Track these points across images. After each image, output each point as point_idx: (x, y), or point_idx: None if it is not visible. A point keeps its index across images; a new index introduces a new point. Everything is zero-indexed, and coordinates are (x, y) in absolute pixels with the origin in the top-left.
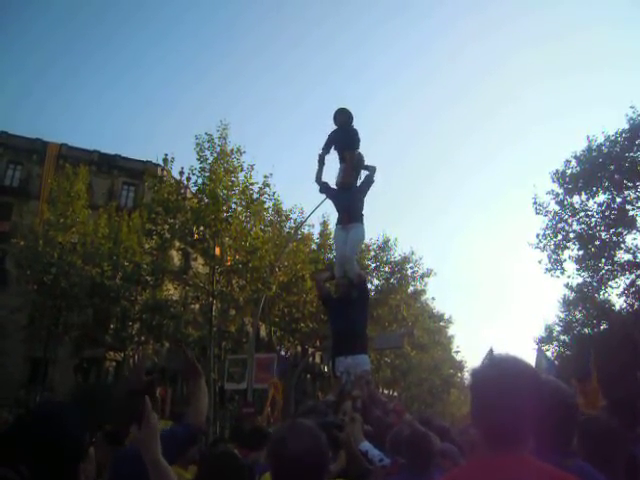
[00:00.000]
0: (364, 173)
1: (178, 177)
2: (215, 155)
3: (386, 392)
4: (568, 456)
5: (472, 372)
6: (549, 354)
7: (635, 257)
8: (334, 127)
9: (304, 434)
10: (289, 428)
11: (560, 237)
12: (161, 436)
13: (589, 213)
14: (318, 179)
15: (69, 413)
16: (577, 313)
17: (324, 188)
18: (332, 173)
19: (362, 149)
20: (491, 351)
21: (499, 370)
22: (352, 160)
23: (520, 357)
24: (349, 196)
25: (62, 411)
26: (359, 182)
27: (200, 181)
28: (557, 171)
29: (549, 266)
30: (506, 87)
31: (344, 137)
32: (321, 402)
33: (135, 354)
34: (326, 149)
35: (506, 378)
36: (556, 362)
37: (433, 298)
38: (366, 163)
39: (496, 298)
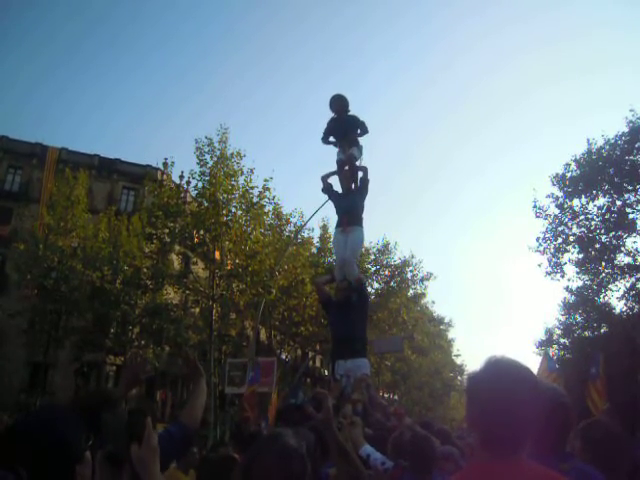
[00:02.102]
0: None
1: (178, 181)
2: (215, 159)
3: (387, 396)
4: (565, 459)
5: (468, 376)
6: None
7: (635, 260)
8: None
9: (271, 458)
10: (254, 452)
11: (560, 240)
12: (158, 437)
13: (589, 216)
14: (325, 177)
15: (66, 416)
16: (577, 316)
17: (327, 189)
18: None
19: (364, 152)
20: None
21: (495, 374)
22: (351, 166)
23: (516, 360)
24: (349, 199)
25: (58, 414)
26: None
27: (200, 185)
28: (557, 174)
29: (549, 269)
30: (506, 91)
31: (341, 126)
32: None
33: (135, 357)
34: (325, 138)
35: (502, 382)
36: (557, 365)
37: (433, 302)
38: (358, 164)
39: (496, 301)
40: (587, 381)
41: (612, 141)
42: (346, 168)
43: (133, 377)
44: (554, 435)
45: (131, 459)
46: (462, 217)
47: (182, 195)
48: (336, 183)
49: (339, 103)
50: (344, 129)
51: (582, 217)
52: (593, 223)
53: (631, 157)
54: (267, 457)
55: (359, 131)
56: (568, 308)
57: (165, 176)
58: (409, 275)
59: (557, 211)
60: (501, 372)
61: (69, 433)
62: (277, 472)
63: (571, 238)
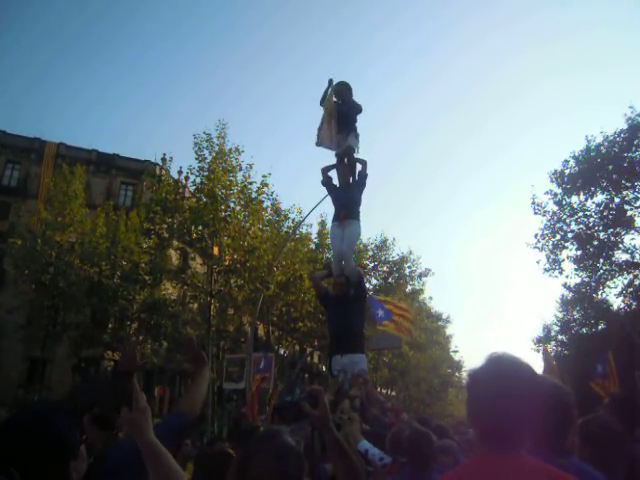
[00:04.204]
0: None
1: (176, 176)
2: (214, 154)
3: (384, 392)
4: (563, 454)
5: (469, 372)
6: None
7: (633, 257)
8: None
9: (268, 456)
10: (250, 450)
11: (558, 237)
12: (155, 427)
13: (587, 213)
14: (325, 170)
15: (60, 412)
16: (575, 313)
17: (326, 181)
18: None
19: (362, 149)
20: None
21: (495, 371)
22: (350, 159)
23: (517, 356)
24: (347, 193)
25: (54, 410)
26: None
27: (198, 180)
28: (555, 171)
29: (547, 266)
30: (505, 87)
31: (342, 110)
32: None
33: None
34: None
35: (502, 379)
36: (554, 362)
37: (431, 298)
38: (356, 156)
39: (494, 298)
40: (595, 379)
41: (610, 138)
42: (345, 160)
43: (130, 360)
44: (554, 431)
45: (122, 421)
46: (460, 213)
47: (180, 190)
48: (335, 175)
49: (343, 89)
50: (345, 113)
51: (580, 214)
52: (591, 220)
53: (629, 154)
54: (264, 455)
55: (356, 113)
56: (566, 305)
57: (163, 171)
58: (407, 271)
59: (555, 208)
60: (502, 369)
61: (64, 429)
62: (273, 471)
63: (569, 235)
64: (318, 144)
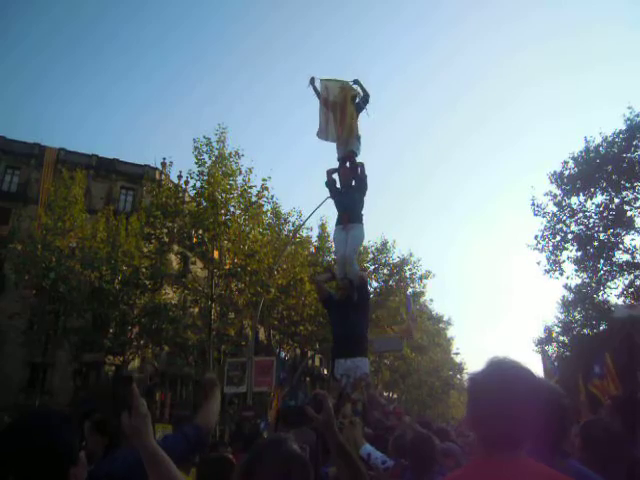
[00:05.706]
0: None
1: (176, 181)
2: (213, 159)
3: (386, 394)
4: (562, 457)
5: (470, 376)
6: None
7: (633, 257)
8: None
9: (274, 464)
10: (256, 457)
11: (559, 238)
12: (169, 438)
13: (587, 214)
14: (330, 172)
15: (59, 417)
16: (576, 314)
17: (330, 183)
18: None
19: (362, 150)
20: None
21: (496, 374)
22: (352, 163)
23: (517, 360)
24: (349, 196)
25: (51, 415)
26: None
27: (198, 185)
28: (555, 172)
29: (548, 267)
30: (505, 88)
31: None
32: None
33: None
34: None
35: (502, 382)
36: (555, 363)
37: (432, 300)
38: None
39: (495, 299)
40: (593, 381)
41: (610, 139)
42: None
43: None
44: (553, 434)
45: (123, 428)
46: (460, 215)
47: (180, 195)
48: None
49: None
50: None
51: (580, 215)
52: (591, 221)
53: (628, 154)
54: (270, 463)
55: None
56: (567, 306)
57: (163, 176)
58: (408, 273)
59: (555, 209)
60: (502, 372)
61: (64, 434)
62: (278, 478)
63: (569, 236)
64: (322, 138)
